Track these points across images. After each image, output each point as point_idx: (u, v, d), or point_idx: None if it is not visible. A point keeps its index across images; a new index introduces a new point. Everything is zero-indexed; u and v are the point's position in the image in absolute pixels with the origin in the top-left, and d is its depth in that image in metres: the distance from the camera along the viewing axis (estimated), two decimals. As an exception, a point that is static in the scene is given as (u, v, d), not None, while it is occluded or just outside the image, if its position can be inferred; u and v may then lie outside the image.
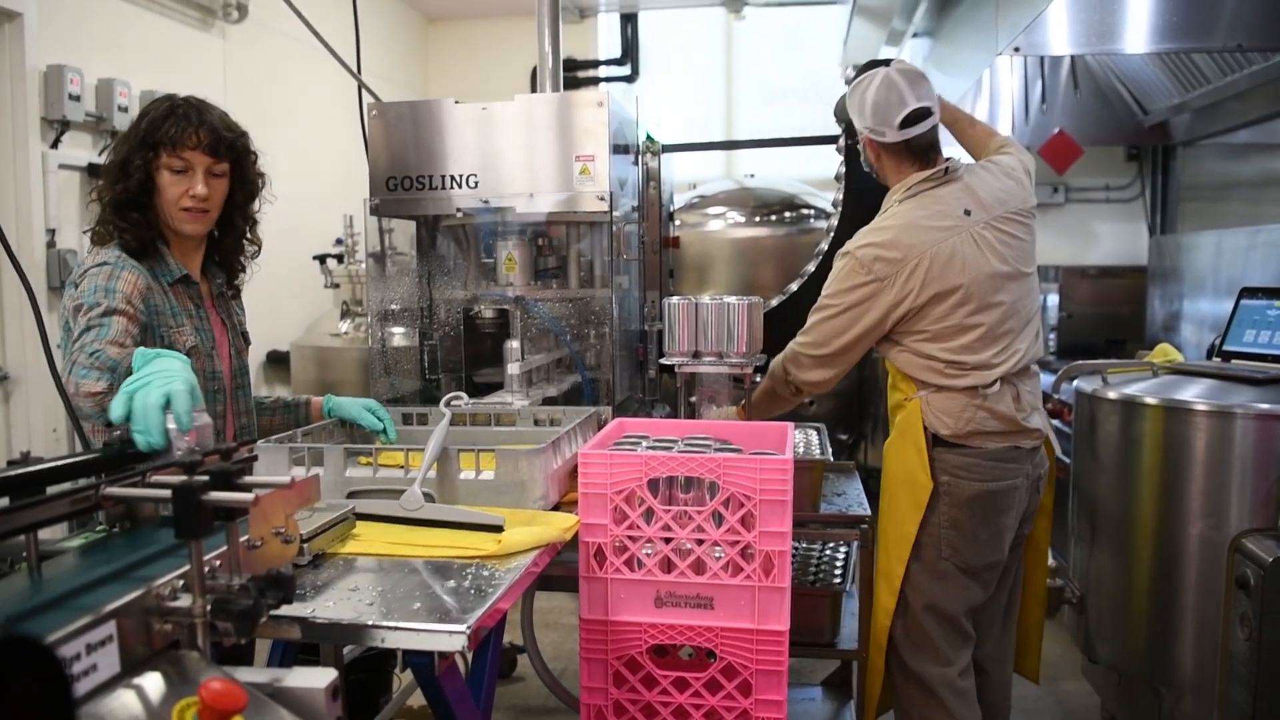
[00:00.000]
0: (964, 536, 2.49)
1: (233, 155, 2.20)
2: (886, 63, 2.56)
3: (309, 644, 2.29)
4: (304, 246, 5.34)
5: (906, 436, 2.50)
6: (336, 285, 5.14)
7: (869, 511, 2.70)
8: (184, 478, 1.10)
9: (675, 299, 2.51)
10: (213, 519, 1.10)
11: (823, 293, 2.55)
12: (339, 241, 5.21)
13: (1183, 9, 3.30)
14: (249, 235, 2.35)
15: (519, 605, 3.08)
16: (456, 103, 2.65)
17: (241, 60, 5.05)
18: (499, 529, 1.81)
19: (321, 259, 5.20)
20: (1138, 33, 3.64)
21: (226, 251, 2.35)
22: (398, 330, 2.89)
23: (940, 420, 2.47)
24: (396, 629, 1.38)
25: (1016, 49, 3.59)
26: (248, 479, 1.17)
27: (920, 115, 2.49)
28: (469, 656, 1.84)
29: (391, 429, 2.38)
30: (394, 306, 2.88)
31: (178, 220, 2.16)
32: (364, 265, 4.51)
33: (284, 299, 5.25)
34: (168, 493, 1.10)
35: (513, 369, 2.62)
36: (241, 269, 2.41)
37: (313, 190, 5.50)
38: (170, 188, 2.12)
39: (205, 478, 1.14)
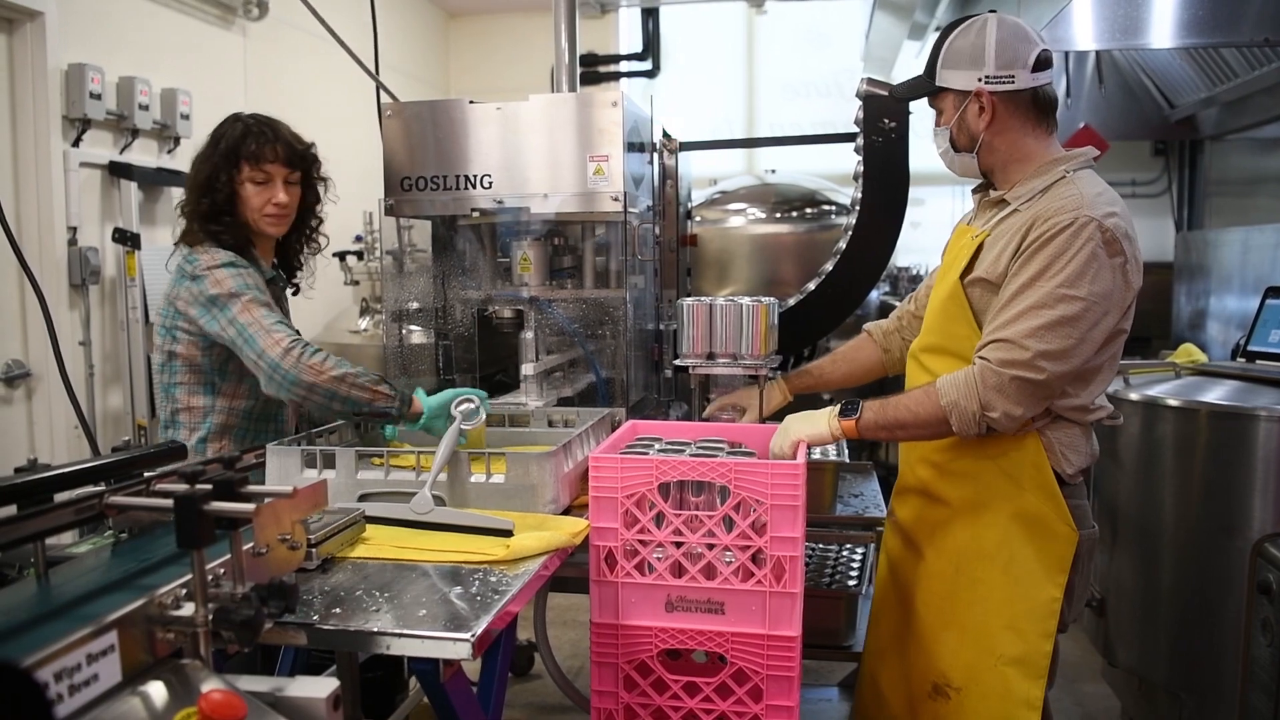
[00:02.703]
0: (1069, 595, 2.07)
1: (304, 165, 2.50)
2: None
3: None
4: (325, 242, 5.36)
5: (1023, 480, 2.03)
6: (356, 282, 5.16)
7: (885, 512, 2.67)
8: (186, 487, 1.10)
9: (689, 300, 2.49)
10: (214, 528, 1.10)
11: (1038, 280, 1.90)
12: (359, 238, 5.22)
13: (1209, 3, 3.25)
14: (315, 235, 2.66)
15: (535, 604, 3.09)
16: (471, 102, 2.64)
17: (262, 57, 5.07)
18: (508, 533, 1.80)
19: (341, 256, 5.22)
20: (1163, 27, 3.58)
21: (289, 251, 2.63)
22: (413, 329, 2.90)
23: (1065, 458, 2.03)
24: (402, 636, 1.38)
25: (1039, 44, 3.54)
26: (251, 488, 1.17)
27: (1050, 59, 2.03)
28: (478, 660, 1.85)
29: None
30: (413, 305, 2.88)
31: (262, 225, 2.44)
32: (380, 263, 4.53)
33: (303, 295, 5.26)
34: (170, 502, 1.10)
35: (527, 369, 2.62)
36: (299, 266, 2.68)
37: (333, 186, 5.51)
38: (254, 197, 2.41)
39: (208, 487, 1.13)
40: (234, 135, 2.39)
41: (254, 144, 2.38)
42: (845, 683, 3.41)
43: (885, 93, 2.92)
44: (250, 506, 1.11)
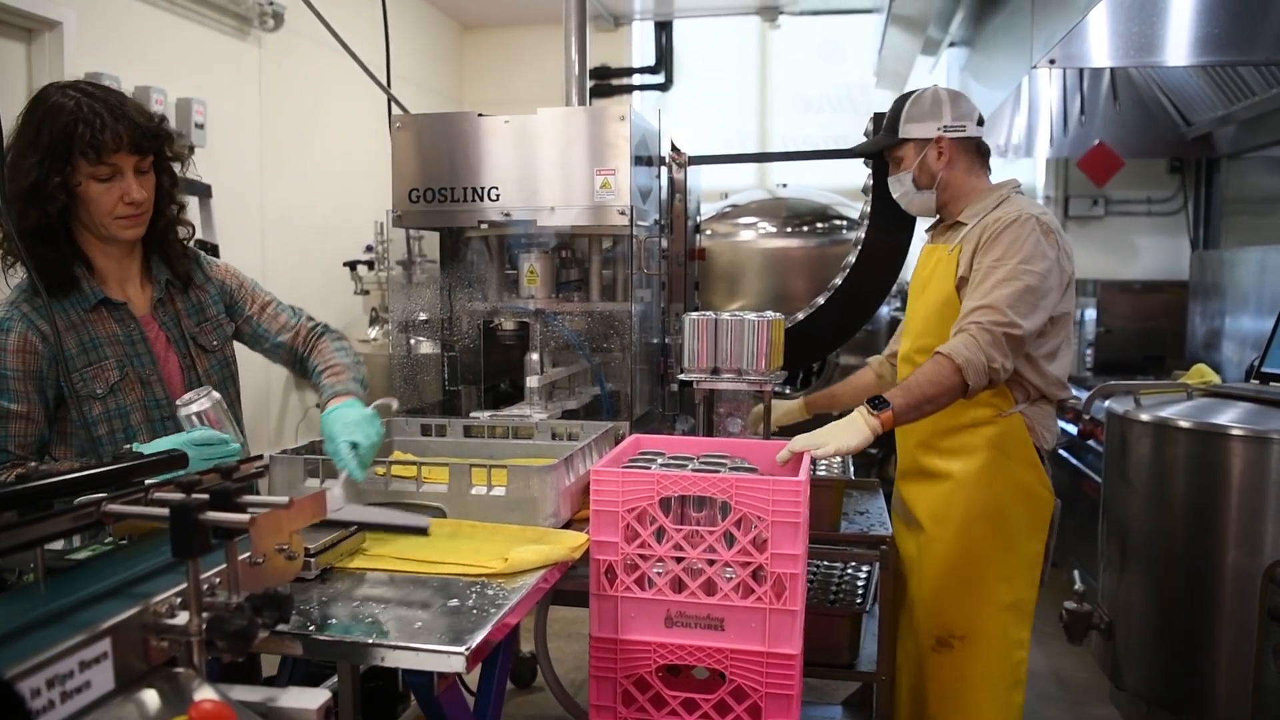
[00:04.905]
0: (1046, 552, 2.54)
1: (157, 145, 1.98)
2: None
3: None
4: (336, 252, 5.39)
5: (1012, 453, 2.45)
6: (366, 292, 5.18)
7: (890, 531, 2.66)
8: (181, 496, 1.11)
9: (694, 315, 2.49)
10: (209, 538, 1.11)
11: (1002, 261, 2.35)
12: (369, 248, 5.25)
13: (1224, 22, 3.23)
14: (176, 223, 2.12)
15: (536, 616, 3.08)
16: (480, 115, 2.66)
17: (277, 68, 5.11)
18: (423, 532, 1.77)
19: (352, 265, 5.24)
20: (1179, 45, 3.56)
21: (164, 245, 2.11)
22: (420, 339, 2.90)
23: (1042, 435, 2.47)
24: (396, 648, 1.38)
25: (1052, 61, 3.53)
26: (248, 498, 1.17)
27: (984, 121, 2.60)
28: (477, 672, 1.84)
29: (355, 470, 1.93)
30: (422, 317, 2.88)
31: (114, 229, 1.95)
32: (391, 273, 4.54)
33: (315, 304, 5.26)
34: (166, 511, 1.10)
35: (532, 382, 2.62)
36: (183, 253, 2.16)
37: (346, 196, 5.56)
38: (100, 198, 1.91)
39: (205, 496, 1.14)
40: (59, 123, 1.85)
41: (90, 132, 1.84)
42: (849, 701, 3.39)
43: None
44: (245, 517, 1.11)
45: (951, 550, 2.49)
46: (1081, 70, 4.97)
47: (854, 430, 2.19)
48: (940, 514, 2.51)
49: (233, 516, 1.11)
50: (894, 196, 2.70)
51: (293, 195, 5.24)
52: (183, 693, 1.09)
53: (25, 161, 1.85)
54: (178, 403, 1.89)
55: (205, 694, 1.08)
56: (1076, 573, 3.17)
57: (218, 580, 1.19)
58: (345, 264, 5.27)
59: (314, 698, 1.10)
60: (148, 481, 1.37)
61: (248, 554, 1.24)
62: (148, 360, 2.03)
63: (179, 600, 1.14)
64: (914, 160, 2.58)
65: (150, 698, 1.06)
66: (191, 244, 2.20)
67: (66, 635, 1.01)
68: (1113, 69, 4.92)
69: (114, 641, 1.04)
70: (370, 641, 1.39)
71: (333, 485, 1.91)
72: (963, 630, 2.48)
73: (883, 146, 2.68)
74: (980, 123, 2.59)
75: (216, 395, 1.89)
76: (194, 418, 1.86)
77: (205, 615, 1.12)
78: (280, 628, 1.28)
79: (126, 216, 1.95)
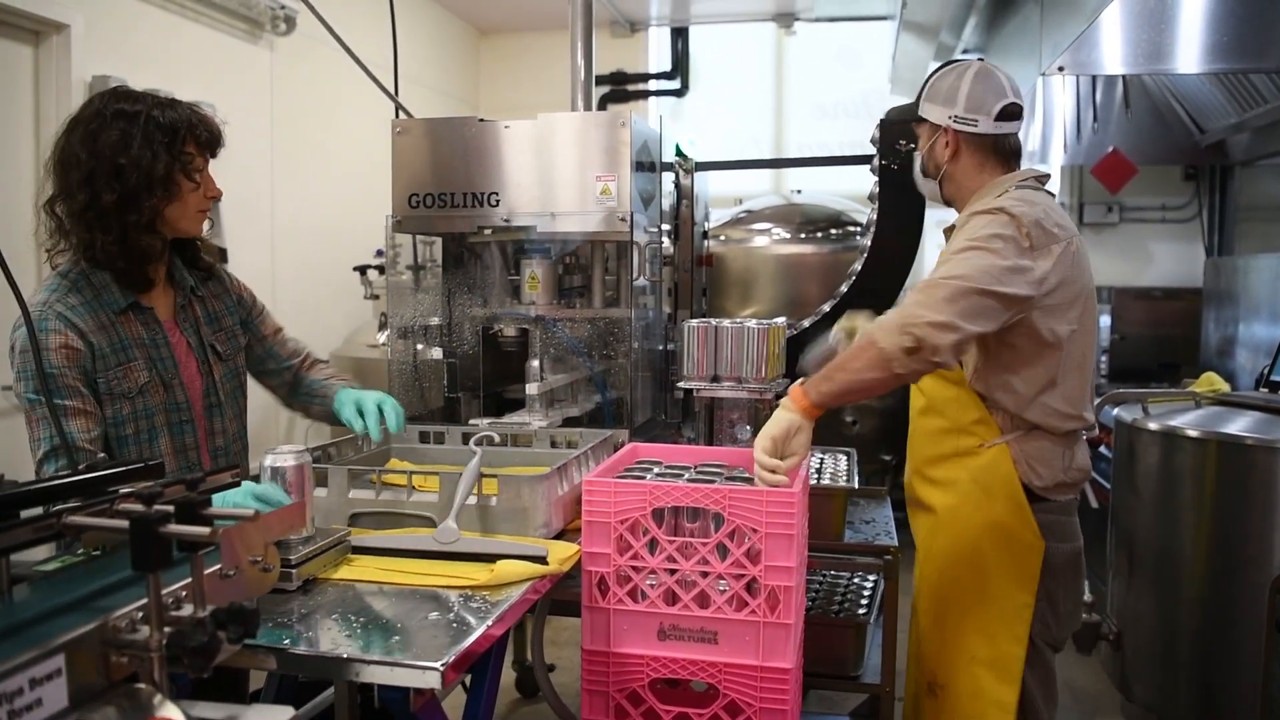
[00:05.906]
0: (1054, 608, 2.20)
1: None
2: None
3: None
4: (347, 256, 5.38)
5: (993, 490, 2.16)
6: (376, 296, 5.17)
7: (896, 541, 2.62)
8: (142, 508, 1.08)
9: (693, 322, 2.46)
10: (171, 551, 1.08)
11: (962, 242, 2.05)
12: (379, 253, 5.24)
13: (1234, 30, 3.19)
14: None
15: (533, 627, 3.05)
16: (480, 120, 2.64)
17: (288, 72, 5.11)
18: (543, 560, 1.77)
19: (362, 270, 5.23)
20: (1190, 52, 3.52)
21: (191, 246, 2.17)
22: (419, 346, 2.88)
23: (1033, 470, 2.15)
24: (370, 663, 1.35)
25: (1061, 68, 3.49)
26: (213, 510, 1.15)
27: (1017, 112, 2.22)
28: (466, 681, 1.81)
29: (374, 427, 2.15)
30: (433, 320, 2.86)
31: (194, 224, 2.05)
32: (401, 276, 4.52)
33: (325, 308, 5.29)
34: (126, 523, 1.08)
35: (531, 389, 2.59)
36: (204, 253, 2.20)
37: (356, 200, 5.55)
38: (194, 193, 2.00)
39: (168, 508, 1.11)
40: (173, 116, 1.94)
41: (203, 130, 1.98)
42: (857, 712, 3.34)
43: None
44: (207, 530, 1.08)
45: (934, 591, 2.30)
46: (1095, 77, 4.93)
47: (776, 416, 1.98)
48: (928, 549, 2.33)
49: (195, 529, 1.08)
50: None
51: (303, 200, 5.24)
52: (142, 709, 1.06)
53: (147, 151, 1.89)
54: (267, 450, 1.85)
55: (165, 711, 1.05)
56: (1086, 582, 3.12)
57: (184, 594, 1.17)
58: (355, 269, 5.27)
59: (277, 715, 1.07)
60: (121, 491, 1.35)
61: (217, 567, 1.22)
62: (171, 364, 2.06)
63: (141, 615, 1.11)
64: (925, 143, 2.32)
65: (106, 715, 1.04)
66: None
67: (19, 651, 0.99)
68: (1125, 76, 4.87)
69: (69, 657, 1.02)
70: (345, 656, 1.36)
71: (448, 519, 1.88)
72: (943, 680, 2.27)
73: (907, 119, 2.39)
74: (1007, 116, 2.20)
75: (309, 459, 1.86)
76: (272, 470, 1.81)
77: (167, 630, 1.09)
78: (250, 641, 1.25)
79: (204, 211, 2.05)
